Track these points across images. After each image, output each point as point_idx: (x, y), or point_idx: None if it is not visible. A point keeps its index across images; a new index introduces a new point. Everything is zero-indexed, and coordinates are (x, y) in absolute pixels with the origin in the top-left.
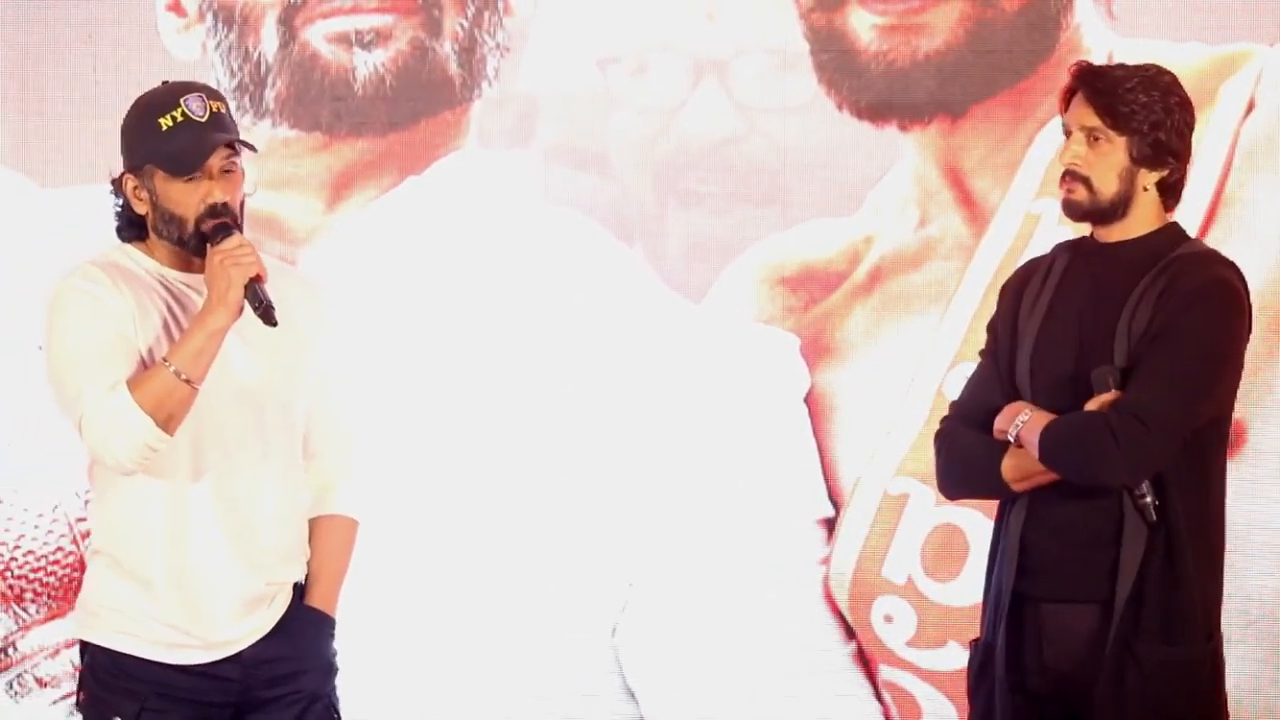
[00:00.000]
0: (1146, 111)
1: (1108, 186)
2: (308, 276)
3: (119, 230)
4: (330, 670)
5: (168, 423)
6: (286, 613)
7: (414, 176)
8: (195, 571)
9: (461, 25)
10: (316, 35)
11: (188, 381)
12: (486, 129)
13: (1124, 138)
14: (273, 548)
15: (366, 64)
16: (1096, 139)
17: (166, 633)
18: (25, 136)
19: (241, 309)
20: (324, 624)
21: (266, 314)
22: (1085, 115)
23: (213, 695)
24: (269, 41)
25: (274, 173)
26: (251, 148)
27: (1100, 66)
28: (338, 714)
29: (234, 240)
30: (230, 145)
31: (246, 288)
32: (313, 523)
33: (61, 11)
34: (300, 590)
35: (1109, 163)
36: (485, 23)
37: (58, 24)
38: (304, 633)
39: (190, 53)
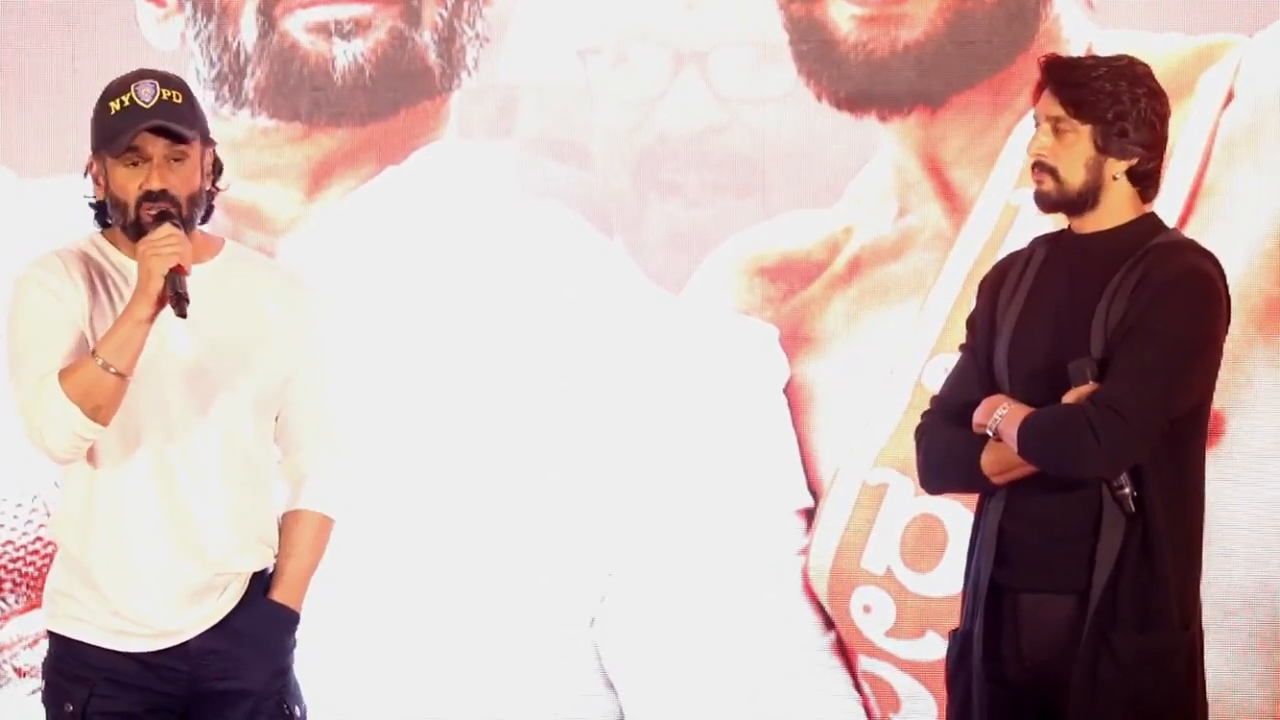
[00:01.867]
0: (1110, 100)
1: (1074, 176)
2: (294, 272)
3: (95, 217)
4: (283, 667)
5: (96, 412)
6: (240, 604)
7: (393, 166)
8: (138, 560)
9: (441, 15)
10: (296, 25)
11: (115, 372)
12: (466, 119)
13: (1087, 126)
14: (220, 539)
15: (346, 54)
16: (1061, 129)
17: (113, 620)
18: (4, 126)
19: (163, 299)
20: (282, 619)
21: (179, 305)
22: (1050, 105)
23: (162, 685)
24: (248, 31)
25: (253, 162)
26: (183, 139)
27: (1068, 58)
28: (288, 710)
29: (162, 230)
30: (163, 133)
31: (166, 278)
32: (285, 517)
33: (39, 1)
34: (263, 582)
35: (1074, 153)
36: (465, 12)
37: (36, 13)
38: (257, 626)
39: (169, 42)
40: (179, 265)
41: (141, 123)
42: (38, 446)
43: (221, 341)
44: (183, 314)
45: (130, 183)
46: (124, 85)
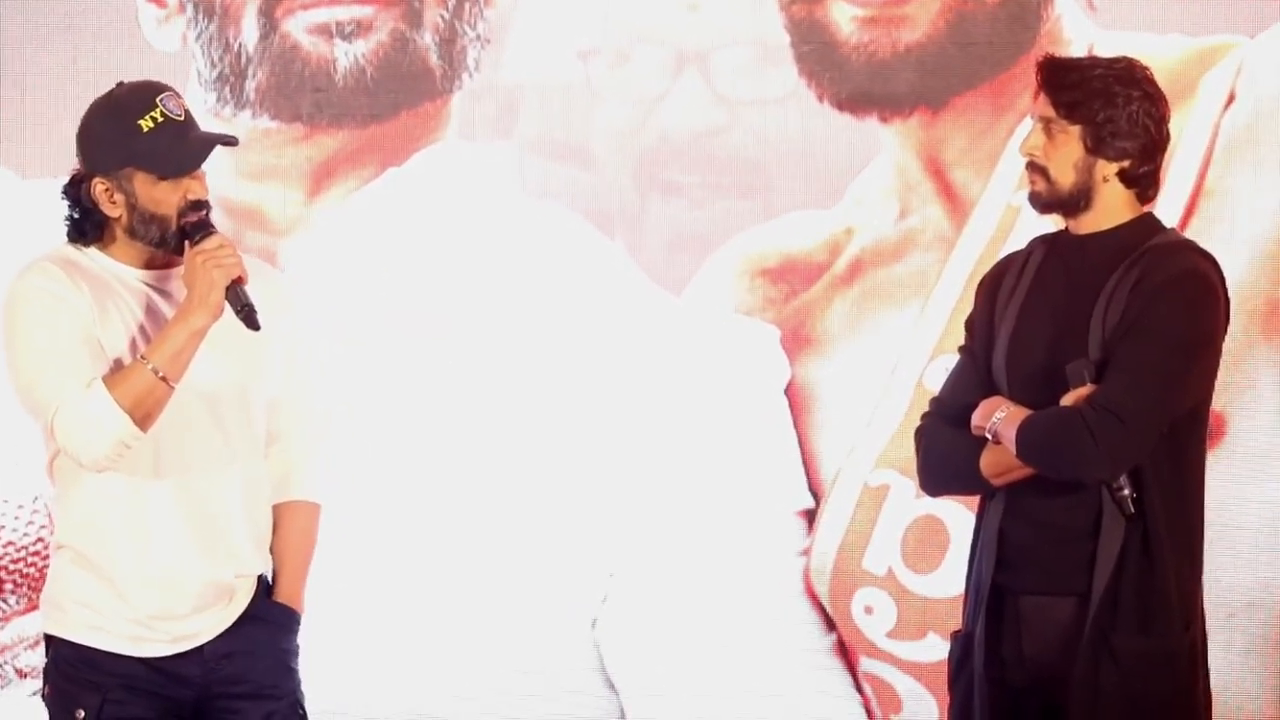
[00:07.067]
0: (1101, 101)
1: (1065, 177)
2: (264, 264)
3: (71, 234)
4: (293, 667)
5: (144, 420)
6: (249, 608)
7: (395, 168)
8: (157, 566)
9: (442, 16)
10: (297, 26)
11: (165, 380)
12: (467, 120)
13: (1077, 127)
14: (239, 540)
15: (347, 55)
16: (1052, 130)
17: (129, 626)
18: (5, 127)
19: (222, 310)
20: (289, 619)
21: (249, 317)
22: (1043, 106)
23: (175, 690)
24: (249, 32)
25: (254, 164)
26: (235, 142)
27: (1064, 59)
28: (303, 710)
29: (214, 240)
30: (223, 143)
31: (228, 290)
32: (278, 508)
33: (41, 2)
34: (264, 584)
35: (1064, 153)
36: (466, 14)
37: (37, 15)
38: (266, 629)
39: (170, 44)
40: (240, 276)
41: (206, 139)
42: (80, 457)
43: (229, 343)
44: (256, 326)
45: (172, 196)
46: (145, 100)
